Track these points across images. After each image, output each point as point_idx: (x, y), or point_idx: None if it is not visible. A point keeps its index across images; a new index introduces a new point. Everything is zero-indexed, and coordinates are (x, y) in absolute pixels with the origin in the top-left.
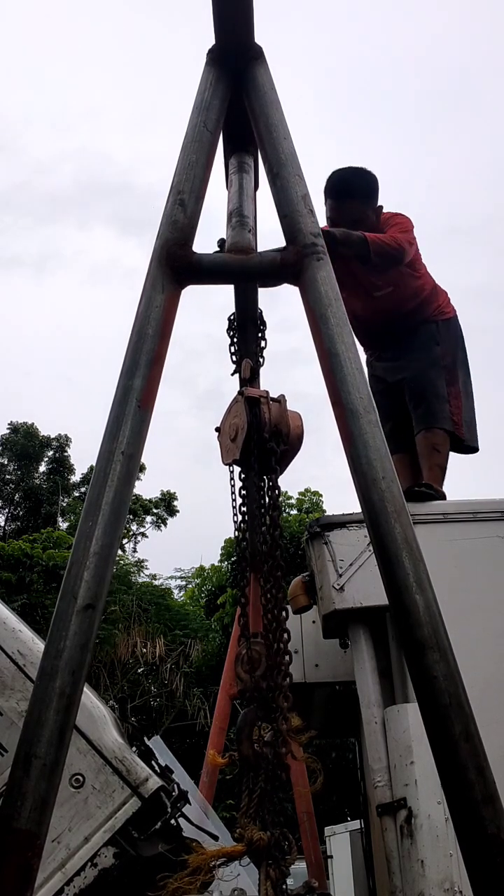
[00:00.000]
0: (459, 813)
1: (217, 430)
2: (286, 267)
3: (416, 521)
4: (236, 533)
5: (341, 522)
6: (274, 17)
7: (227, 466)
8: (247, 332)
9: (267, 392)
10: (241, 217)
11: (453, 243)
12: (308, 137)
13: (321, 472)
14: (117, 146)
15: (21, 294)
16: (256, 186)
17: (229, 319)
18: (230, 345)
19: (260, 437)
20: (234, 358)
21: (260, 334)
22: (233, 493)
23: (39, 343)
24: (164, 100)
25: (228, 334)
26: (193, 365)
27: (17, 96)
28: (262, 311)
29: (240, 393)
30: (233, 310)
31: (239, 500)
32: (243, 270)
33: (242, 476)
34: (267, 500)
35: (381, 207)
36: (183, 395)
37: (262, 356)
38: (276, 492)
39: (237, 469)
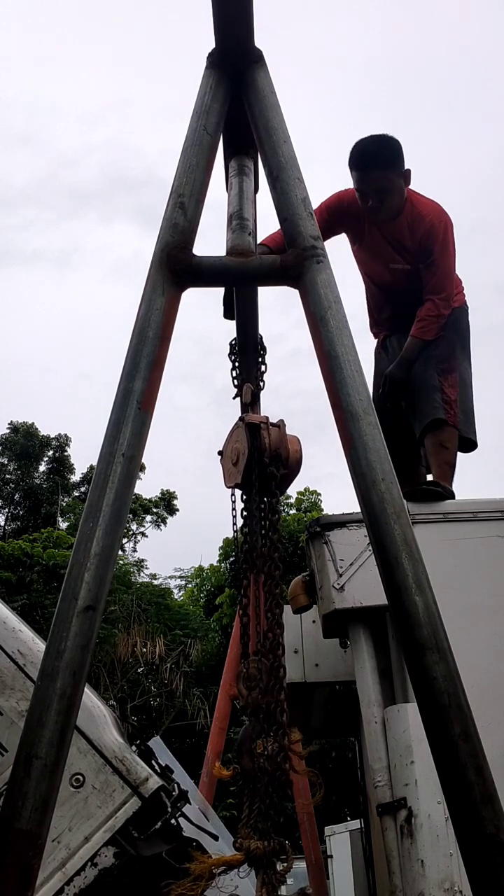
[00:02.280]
0: (459, 813)
1: (220, 453)
2: (286, 270)
3: (416, 521)
4: (237, 552)
5: (341, 522)
6: (274, 19)
7: (230, 490)
8: (248, 357)
9: (267, 417)
10: (241, 220)
11: (477, 238)
12: (309, 139)
13: (320, 473)
14: (147, 137)
15: (42, 290)
16: (256, 189)
17: (231, 344)
18: (231, 369)
19: (260, 462)
20: (235, 382)
21: (260, 359)
22: (234, 515)
23: (59, 339)
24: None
25: (230, 359)
26: (212, 362)
27: (46, 87)
28: (262, 337)
29: (241, 419)
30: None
31: (240, 523)
32: (243, 273)
33: (244, 499)
34: (267, 522)
35: (408, 171)
36: (201, 392)
37: (262, 380)
38: (276, 515)
39: (238, 492)
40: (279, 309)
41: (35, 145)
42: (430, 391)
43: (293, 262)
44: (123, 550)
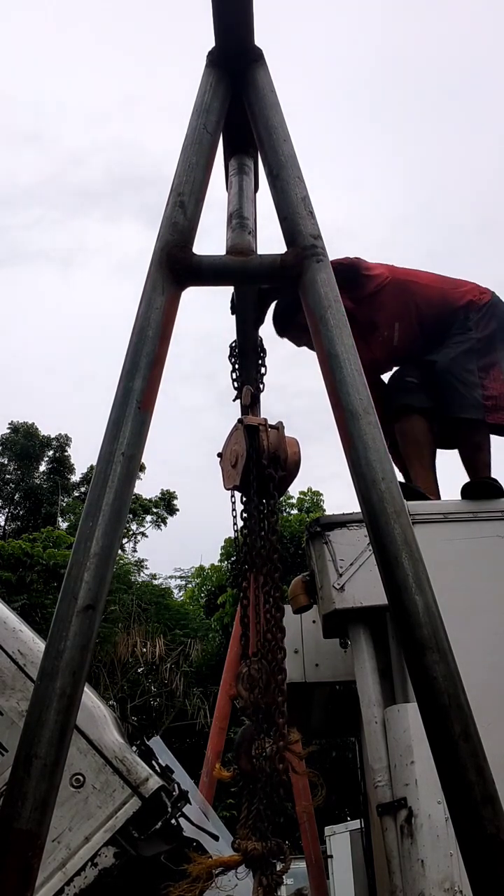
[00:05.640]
0: (459, 813)
1: (219, 455)
2: (286, 269)
3: (416, 521)
4: (237, 553)
5: (341, 522)
6: (275, 17)
7: (229, 492)
8: (248, 359)
9: (265, 419)
10: (241, 219)
11: (481, 238)
12: (308, 138)
13: (324, 473)
14: (153, 136)
15: (46, 289)
16: (256, 188)
17: (231, 346)
18: (231, 371)
19: (259, 464)
20: (235, 385)
21: (260, 361)
22: (234, 517)
23: (61, 339)
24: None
25: (230, 361)
26: (216, 361)
27: (53, 84)
28: (261, 339)
29: (239, 421)
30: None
31: (240, 524)
32: (243, 272)
33: (244, 500)
34: (266, 524)
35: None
36: (206, 391)
37: (262, 382)
38: (275, 517)
39: (237, 494)
40: None
41: (41, 144)
42: (470, 387)
43: (293, 262)
44: (123, 550)
